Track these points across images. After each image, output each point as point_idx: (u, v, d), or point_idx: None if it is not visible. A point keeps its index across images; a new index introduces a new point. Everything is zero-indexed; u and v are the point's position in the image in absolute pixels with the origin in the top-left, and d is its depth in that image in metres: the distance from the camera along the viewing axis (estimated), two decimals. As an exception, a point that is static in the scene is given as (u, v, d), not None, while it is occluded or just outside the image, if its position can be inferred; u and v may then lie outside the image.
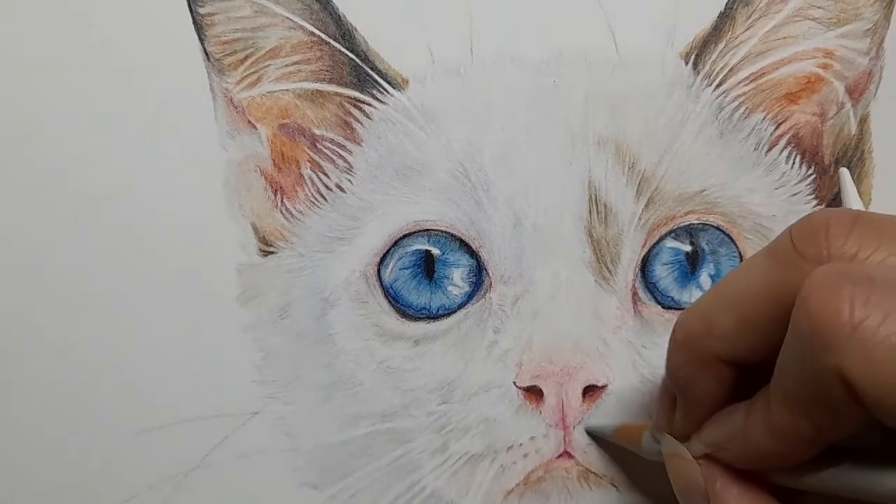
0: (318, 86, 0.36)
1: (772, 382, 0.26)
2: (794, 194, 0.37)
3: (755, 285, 0.26)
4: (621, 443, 0.34)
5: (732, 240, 0.36)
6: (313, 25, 0.36)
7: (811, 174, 0.37)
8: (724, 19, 0.36)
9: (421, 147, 0.36)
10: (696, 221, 0.36)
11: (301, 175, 0.37)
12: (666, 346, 0.35)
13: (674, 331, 0.29)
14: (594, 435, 0.35)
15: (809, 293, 0.24)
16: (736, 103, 0.37)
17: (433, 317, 0.36)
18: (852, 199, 0.33)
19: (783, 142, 0.37)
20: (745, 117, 0.37)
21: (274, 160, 0.37)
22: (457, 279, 0.36)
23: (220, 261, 0.37)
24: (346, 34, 0.36)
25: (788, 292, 0.25)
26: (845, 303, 0.23)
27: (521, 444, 0.35)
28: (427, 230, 0.36)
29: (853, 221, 0.25)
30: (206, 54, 0.36)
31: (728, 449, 0.28)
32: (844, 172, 0.34)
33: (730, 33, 0.36)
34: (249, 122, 0.37)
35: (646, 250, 0.36)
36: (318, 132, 0.37)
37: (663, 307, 0.36)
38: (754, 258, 0.27)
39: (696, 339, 0.28)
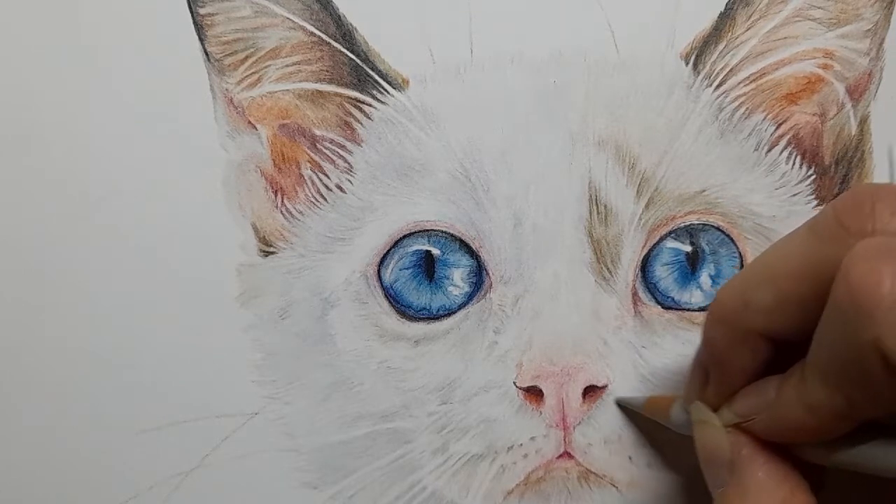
0: (319, 86, 0.36)
1: (808, 356, 0.26)
2: (795, 195, 0.37)
3: (795, 260, 0.26)
4: (652, 415, 0.34)
5: (733, 240, 0.36)
6: (313, 26, 0.36)
7: (811, 174, 0.37)
8: (724, 19, 0.36)
9: (421, 147, 0.36)
10: (696, 222, 0.36)
11: (301, 175, 0.37)
12: (666, 346, 0.35)
13: (712, 305, 0.29)
14: (623, 407, 0.35)
15: (851, 266, 0.23)
16: (736, 104, 0.37)
17: (433, 317, 0.36)
18: None
19: (783, 142, 0.37)
20: (746, 118, 0.37)
21: (274, 160, 0.37)
22: (457, 279, 0.36)
23: (220, 261, 0.37)
24: (346, 34, 0.36)
25: (829, 267, 0.24)
26: (886, 276, 0.23)
27: (521, 445, 0.35)
28: (427, 230, 0.36)
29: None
30: (207, 54, 0.36)
31: (758, 420, 0.28)
32: (892, 150, 0.34)
33: (730, 33, 0.36)
34: (249, 122, 0.37)
35: (646, 251, 0.36)
36: (318, 132, 0.37)
37: (663, 307, 0.36)
38: (795, 233, 0.27)
39: (733, 313, 0.28)
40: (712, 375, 0.29)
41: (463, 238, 0.36)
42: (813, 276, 0.25)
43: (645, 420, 0.34)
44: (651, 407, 0.34)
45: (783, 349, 0.27)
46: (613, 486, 0.35)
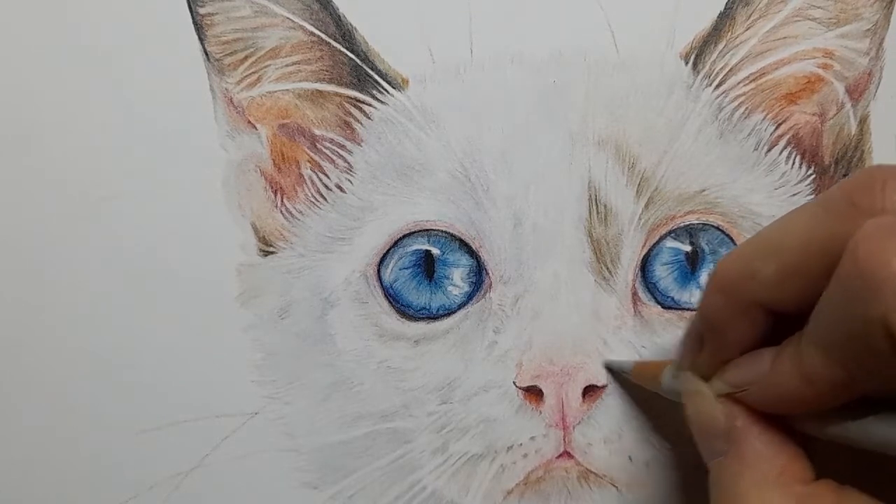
0: (318, 86, 0.36)
1: (807, 328, 0.26)
2: (794, 194, 0.37)
3: (803, 234, 0.26)
4: (641, 381, 0.34)
5: (732, 240, 0.36)
6: (313, 25, 0.36)
7: (811, 174, 0.37)
8: (724, 19, 0.36)
9: (421, 147, 0.36)
10: (696, 221, 0.36)
11: (301, 175, 0.37)
12: (665, 345, 0.35)
13: (713, 274, 0.28)
14: (613, 371, 0.35)
15: (859, 242, 0.23)
16: (736, 103, 0.37)
17: (433, 317, 0.36)
18: None
19: (783, 142, 0.37)
20: (745, 117, 0.37)
21: (274, 160, 0.37)
22: (457, 279, 0.36)
23: (220, 261, 0.37)
24: (346, 34, 0.36)
25: (837, 243, 0.24)
26: (890, 254, 0.23)
27: (521, 444, 0.35)
28: (427, 230, 0.36)
29: None
30: (206, 54, 0.36)
31: (752, 391, 0.28)
32: None
33: (730, 33, 0.36)
34: (249, 122, 0.37)
35: (646, 250, 0.36)
36: (318, 132, 0.37)
37: (663, 307, 0.36)
38: (803, 208, 0.27)
39: (736, 282, 0.28)
40: (708, 344, 0.29)
41: (463, 238, 0.36)
42: (820, 250, 0.25)
43: (635, 388, 0.34)
44: (639, 372, 0.34)
45: (779, 322, 0.27)
46: (613, 485, 0.35)
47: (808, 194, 0.37)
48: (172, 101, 0.37)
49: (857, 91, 0.37)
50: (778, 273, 0.26)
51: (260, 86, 0.36)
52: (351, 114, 0.37)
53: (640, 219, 0.35)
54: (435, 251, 0.36)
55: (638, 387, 0.34)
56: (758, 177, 0.36)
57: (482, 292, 0.36)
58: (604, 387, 0.35)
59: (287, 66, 0.36)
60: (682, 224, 0.36)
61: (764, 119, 0.37)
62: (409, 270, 0.36)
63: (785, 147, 0.37)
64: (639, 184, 0.36)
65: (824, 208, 0.26)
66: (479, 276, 0.36)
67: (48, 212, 0.37)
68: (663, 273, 0.36)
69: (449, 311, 0.36)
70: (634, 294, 0.36)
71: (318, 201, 0.37)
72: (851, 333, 0.24)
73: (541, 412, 0.35)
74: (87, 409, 0.36)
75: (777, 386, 0.27)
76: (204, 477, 0.36)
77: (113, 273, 0.37)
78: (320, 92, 0.36)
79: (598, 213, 0.35)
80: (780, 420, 0.28)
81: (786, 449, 0.28)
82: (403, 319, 0.36)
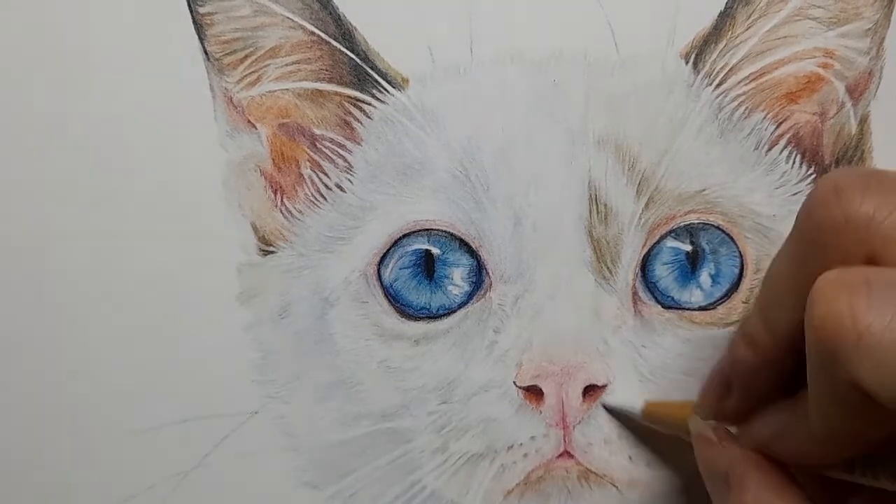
0: (318, 85, 0.36)
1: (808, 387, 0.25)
2: (795, 194, 0.37)
3: (787, 280, 0.26)
4: (652, 423, 0.34)
5: (733, 239, 0.36)
6: (313, 25, 0.36)
7: (811, 174, 0.37)
8: (724, 19, 0.36)
9: (421, 147, 0.36)
10: (696, 221, 0.36)
11: (301, 175, 0.37)
12: (665, 345, 0.35)
13: (742, 325, 0.29)
14: (615, 412, 0.35)
15: (812, 305, 0.23)
16: (736, 103, 0.37)
17: (433, 316, 0.36)
18: None
19: (783, 141, 0.37)
20: (746, 117, 0.37)
21: (274, 160, 0.37)
22: (457, 279, 0.36)
23: (220, 261, 0.37)
24: (346, 34, 0.36)
25: (810, 286, 0.24)
26: (846, 312, 0.23)
27: (521, 444, 0.35)
28: (427, 230, 0.36)
29: (865, 181, 0.24)
30: (206, 54, 0.36)
31: (774, 448, 0.28)
32: None
33: (730, 33, 0.36)
34: (249, 121, 0.37)
35: (646, 250, 0.36)
36: (317, 132, 0.37)
37: (663, 307, 0.36)
38: (785, 244, 0.27)
39: (757, 335, 0.28)
40: (736, 391, 0.29)
41: (463, 237, 0.36)
42: (801, 299, 0.25)
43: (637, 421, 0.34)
44: (651, 414, 0.34)
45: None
46: (613, 485, 0.35)
47: (809, 194, 0.37)
48: (172, 101, 0.37)
49: (858, 90, 0.37)
50: (787, 326, 0.26)
51: (260, 85, 0.36)
52: (351, 113, 0.37)
53: (640, 218, 0.35)
54: (435, 251, 0.36)
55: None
56: (758, 176, 0.36)
57: (482, 292, 0.36)
58: (604, 386, 0.35)
59: (287, 65, 0.36)
60: (682, 224, 0.36)
61: (764, 118, 0.37)
62: (409, 270, 0.36)
63: (785, 146, 0.37)
64: (639, 183, 0.36)
65: (797, 243, 0.26)
66: (479, 275, 0.36)
67: (48, 211, 0.37)
68: (663, 273, 0.36)
69: (449, 311, 0.36)
70: (635, 294, 0.36)
71: (318, 201, 0.37)
72: (832, 395, 0.24)
73: (541, 412, 0.35)
74: (87, 409, 0.36)
75: (795, 444, 0.27)
76: (204, 477, 0.36)
77: (113, 273, 0.37)
78: (320, 91, 0.36)
79: (598, 212, 0.35)
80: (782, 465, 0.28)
81: (785, 494, 0.28)
82: (403, 319, 0.36)
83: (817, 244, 0.25)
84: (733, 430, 0.30)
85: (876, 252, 0.24)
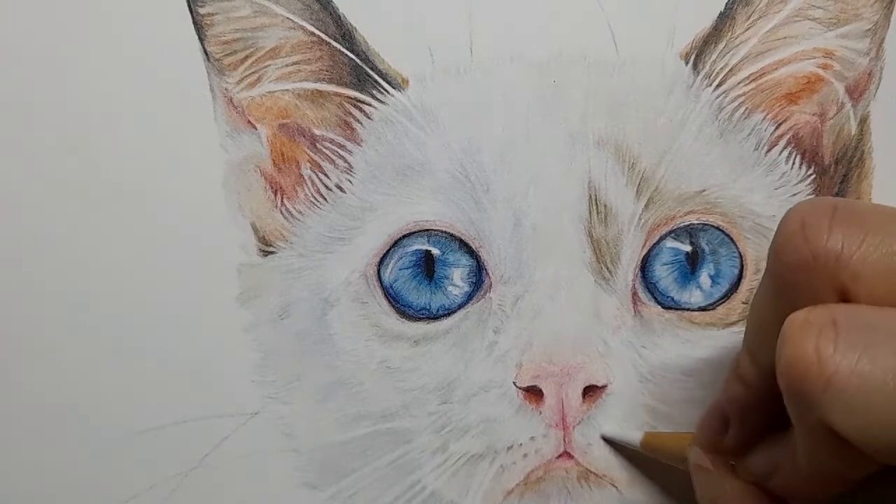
0: (318, 86, 0.36)
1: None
2: (795, 194, 0.37)
3: (767, 318, 0.26)
4: (651, 453, 0.34)
5: (732, 240, 0.36)
6: (313, 25, 0.36)
7: (811, 174, 0.37)
8: (724, 19, 0.36)
9: (421, 147, 0.36)
10: (696, 221, 0.36)
11: (301, 175, 0.37)
12: (665, 345, 0.35)
13: (735, 364, 0.29)
14: (613, 442, 0.35)
15: (781, 347, 0.23)
16: (736, 103, 0.37)
17: (433, 317, 0.36)
18: None
19: (783, 142, 0.37)
20: (745, 117, 0.37)
21: (274, 160, 0.37)
22: (457, 279, 0.36)
23: (220, 261, 0.37)
24: (346, 34, 0.36)
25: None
26: (812, 356, 0.22)
27: (521, 445, 0.35)
28: (427, 230, 0.36)
29: (831, 215, 0.24)
30: (206, 54, 0.36)
31: (770, 483, 0.28)
32: None
33: (730, 33, 0.36)
34: (249, 122, 0.37)
35: (646, 250, 0.36)
36: (318, 132, 0.37)
37: (663, 307, 0.36)
38: (760, 284, 0.27)
39: (746, 372, 0.28)
40: (734, 426, 0.29)
41: (463, 238, 0.36)
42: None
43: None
44: (650, 444, 0.34)
45: None
46: (613, 486, 0.35)
47: (808, 194, 0.37)
48: (172, 101, 0.37)
49: (858, 91, 0.37)
50: (768, 362, 0.26)
51: (260, 86, 0.36)
52: (351, 114, 0.37)
53: (640, 219, 0.35)
54: (435, 251, 0.36)
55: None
56: (758, 177, 0.36)
57: (482, 292, 0.36)
58: (604, 387, 0.35)
59: (287, 65, 0.36)
60: (682, 224, 0.36)
61: (764, 119, 0.37)
62: (409, 270, 0.36)
63: (785, 147, 0.37)
64: (639, 184, 0.36)
65: (768, 282, 0.26)
66: (478, 276, 0.36)
67: (48, 212, 0.37)
68: (663, 273, 0.36)
69: (449, 311, 0.36)
70: (634, 294, 0.36)
71: (318, 201, 0.37)
72: (809, 438, 0.24)
73: (541, 412, 0.35)
74: (87, 409, 0.36)
75: (789, 480, 0.27)
76: (204, 477, 0.36)
77: (113, 273, 0.36)
78: (320, 92, 0.36)
79: (598, 213, 0.35)
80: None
81: None
82: (403, 319, 0.36)
83: (788, 283, 0.25)
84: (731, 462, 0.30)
85: (846, 288, 0.24)
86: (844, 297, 0.24)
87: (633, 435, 0.34)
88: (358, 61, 0.36)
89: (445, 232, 0.36)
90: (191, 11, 0.36)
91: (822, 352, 0.22)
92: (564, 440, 0.35)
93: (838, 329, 0.23)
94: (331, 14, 0.36)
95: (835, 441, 0.23)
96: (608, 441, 0.35)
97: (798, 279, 0.24)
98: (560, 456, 0.35)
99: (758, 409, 0.28)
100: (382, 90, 0.36)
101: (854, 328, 0.23)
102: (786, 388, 0.24)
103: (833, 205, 0.25)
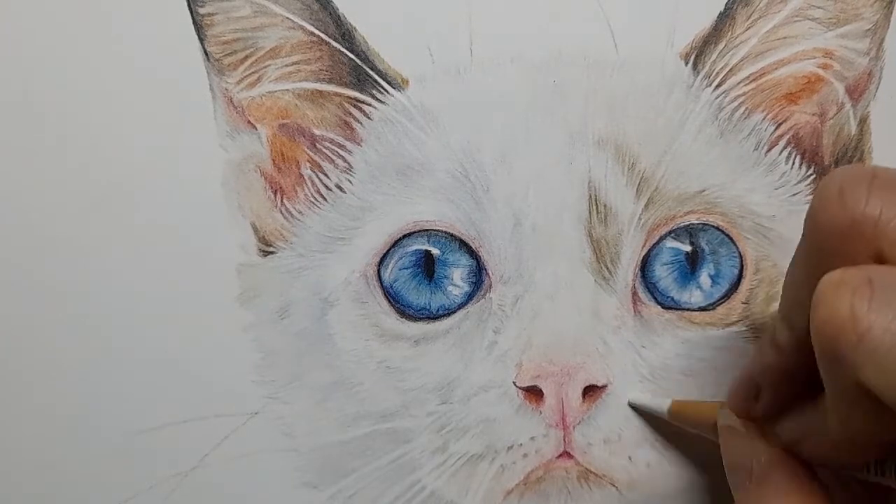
0: (318, 86, 0.36)
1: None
2: (794, 194, 0.37)
3: (802, 284, 0.25)
4: (680, 422, 0.34)
5: (732, 240, 0.36)
6: (313, 25, 0.36)
7: (811, 174, 0.37)
8: (724, 19, 0.36)
9: (421, 147, 0.36)
10: (696, 221, 0.36)
11: (301, 175, 0.37)
12: (665, 345, 0.35)
13: (771, 332, 0.28)
14: (637, 409, 0.35)
15: (815, 307, 0.23)
16: (736, 103, 0.37)
17: (433, 317, 0.36)
18: None
19: (783, 142, 0.37)
20: (745, 117, 0.37)
21: (274, 160, 0.37)
22: (457, 279, 0.36)
23: (220, 261, 0.37)
24: (345, 34, 0.36)
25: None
26: (846, 314, 0.22)
27: (520, 444, 0.35)
28: (427, 230, 0.36)
29: (869, 181, 0.24)
30: (206, 54, 0.36)
31: (801, 449, 0.28)
32: None
33: (730, 33, 0.36)
34: (249, 122, 0.37)
35: (646, 250, 0.36)
36: (317, 132, 0.37)
37: (663, 307, 0.36)
38: (798, 247, 0.26)
39: (781, 338, 0.28)
40: (766, 393, 0.29)
41: (462, 238, 0.36)
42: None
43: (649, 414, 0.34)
44: (678, 413, 0.34)
45: None
46: (613, 486, 0.35)
47: (808, 194, 0.37)
48: (172, 101, 0.37)
49: (857, 91, 0.37)
50: (802, 328, 0.26)
51: (260, 86, 0.36)
52: (351, 114, 0.37)
53: (639, 219, 0.35)
54: (435, 251, 0.36)
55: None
56: (758, 177, 0.36)
57: (482, 292, 0.36)
58: (604, 387, 0.35)
59: (287, 66, 0.36)
60: (682, 224, 0.36)
61: (764, 119, 0.37)
62: (409, 270, 0.36)
63: (785, 147, 0.37)
64: (639, 184, 0.36)
65: (804, 248, 0.25)
66: (478, 276, 0.36)
67: (48, 212, 0.37)
68: (663, 273, 0.36)
69: (449, 311, 0.36)
70: (634, 294, 0.36)
71: (317, 201, 0.37)
72: (842, 398, 0.24)
73: (541, 412, 0.35)
74: (87, 409, 0.36)
75: (817, 446, 0.27)
76: (204, 477, 0.36)
77: (113, 273, 0.37)
78: (320, 92, 0.36)
79: (598, 213, 0.35)
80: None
81: (805, 488, 0.28)
82: (403, 319, 0.36)
83: (824, 249, 0.25)
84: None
85: (884, 253, 0.24)
86: (881, 262, 0.24)
87: (660, 402, 0.34)
88: (358, 61, 0.36)
89: (445, 232, 0.36)
90: (191, 11, 0.36)
91: (857, 310, 0.22)
92: (564, 440, 0.35)
93: (874, 288, 0.22)
94: (331, 14, 0.36)
95: (867, 402, 0.23)
96: (635, 408, 0.35)
97: (834, 245, 0.24)
98: (560, 456, 0.35)
99: (791, 376, 0.28)
100: (382, 90, 0.36)
101: (890, 287, 0.22)
102: (819, 347, 0.23)
103: (872, 171, 0.24)
